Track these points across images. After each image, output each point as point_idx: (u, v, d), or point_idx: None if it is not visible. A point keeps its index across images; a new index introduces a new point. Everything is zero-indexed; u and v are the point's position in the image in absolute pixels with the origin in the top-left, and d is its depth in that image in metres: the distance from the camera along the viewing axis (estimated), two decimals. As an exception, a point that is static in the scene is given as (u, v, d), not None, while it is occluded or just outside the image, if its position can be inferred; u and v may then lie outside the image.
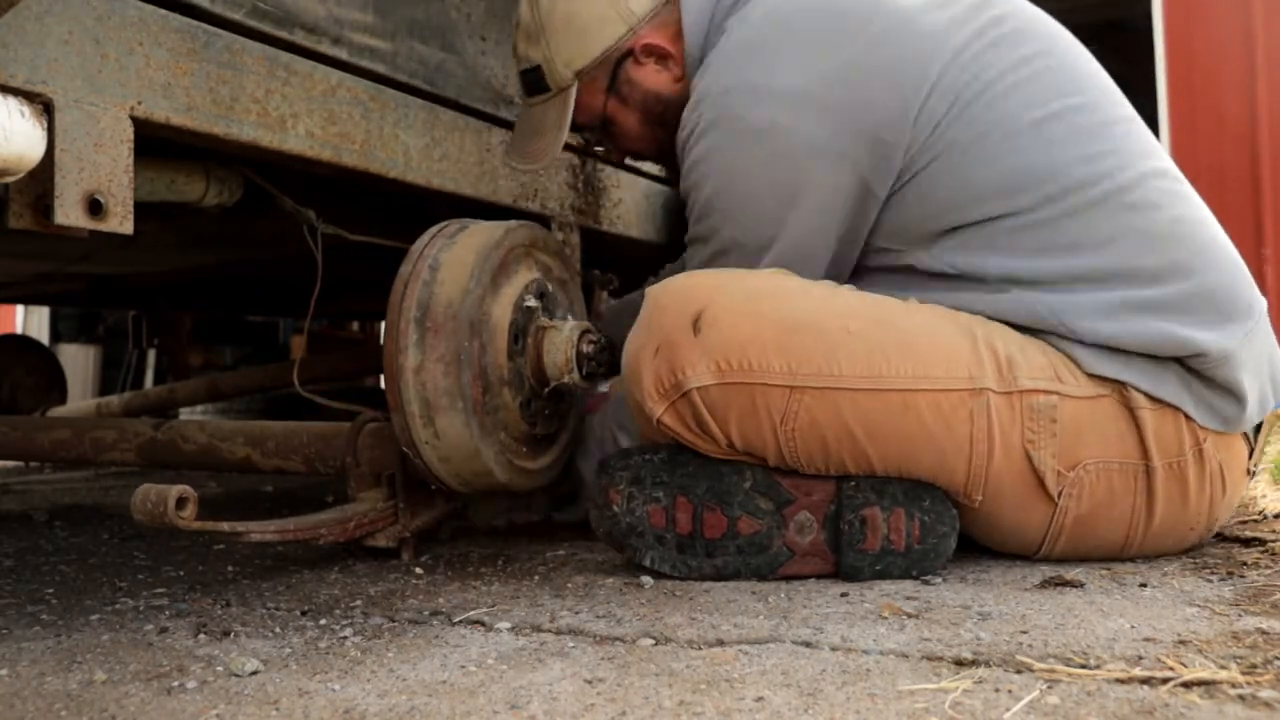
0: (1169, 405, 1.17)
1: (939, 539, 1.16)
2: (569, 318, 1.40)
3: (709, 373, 1.14)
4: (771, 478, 1.18)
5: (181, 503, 0.99)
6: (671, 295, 1.20)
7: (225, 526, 1.08)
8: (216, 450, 1.46)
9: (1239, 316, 1.19)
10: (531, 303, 1.30)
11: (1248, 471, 1.27)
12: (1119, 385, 1.17)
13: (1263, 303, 1.24)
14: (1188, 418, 1.17)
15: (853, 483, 1.17)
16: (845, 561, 1.15)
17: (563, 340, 1.29)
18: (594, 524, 1.21)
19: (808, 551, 1.17)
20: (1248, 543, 1.32)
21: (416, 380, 1.18)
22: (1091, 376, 1.17)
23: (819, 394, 1.13)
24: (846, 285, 1.26)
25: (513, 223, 1.31)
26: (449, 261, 1.22)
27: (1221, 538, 1.35)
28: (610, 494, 1.18)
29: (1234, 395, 1.18)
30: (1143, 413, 1.16)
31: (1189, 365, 1.17)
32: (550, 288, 1.36)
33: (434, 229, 1.28)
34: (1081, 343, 1.18)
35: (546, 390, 1.32)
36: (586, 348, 1.31)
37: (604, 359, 1.33)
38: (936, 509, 1.16)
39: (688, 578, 1.17)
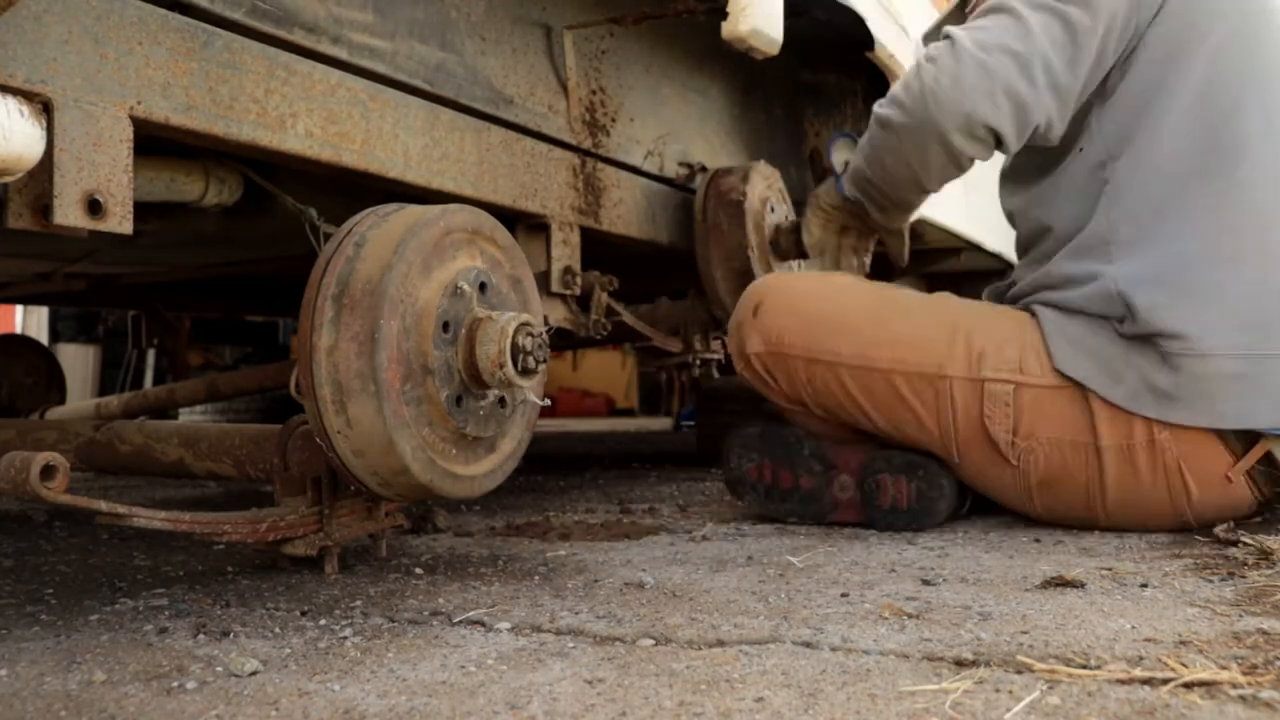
0: (1120, 408, 1.41)
1: (930, 501, 1.55)
2: None
3: (761, 344, 1.62)
4: (823, 448, 1.62)
5: (48, 471, 0.89)
6: (746, 292, 1.69)
7: (103, 505, 0.97)
8: (151, 451, 1.40)
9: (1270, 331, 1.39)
10: (466, 289, 1.18)
11: (1226, 477, 1.40)
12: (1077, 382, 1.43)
13: None
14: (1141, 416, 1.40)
15: (873, 454, 1.58)
16: (868, 514, 1.57)
17: (497, 331, 1.16)
18: (723, 473, 1.70)
19: (847, 505, 1.60)
20: (1247, 544, 1.32)
21: (329, 361, 1.08)
22: (1056, 371, 1.44)
23: (825, 365, 1.57)
24: (881, 284, 1.64)
25: (453, 205, 1.21)
26: (376, 238, 1.12)
27: (1220, 540, 1.35)
28: (730, 454, 1.69)
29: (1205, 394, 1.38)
30: (1095, 402, 1.43)
31: (1169, 352, 1.38)
32: (496, 281, 1.23)
33: (369, 209, 1.20)
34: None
35: (482, 389, 1.19)
36: (524, 340, 1.17)
37: (543, 355, 1.20)
38: (929, 478, 1.55)
39: (773, 516, 1.66)
